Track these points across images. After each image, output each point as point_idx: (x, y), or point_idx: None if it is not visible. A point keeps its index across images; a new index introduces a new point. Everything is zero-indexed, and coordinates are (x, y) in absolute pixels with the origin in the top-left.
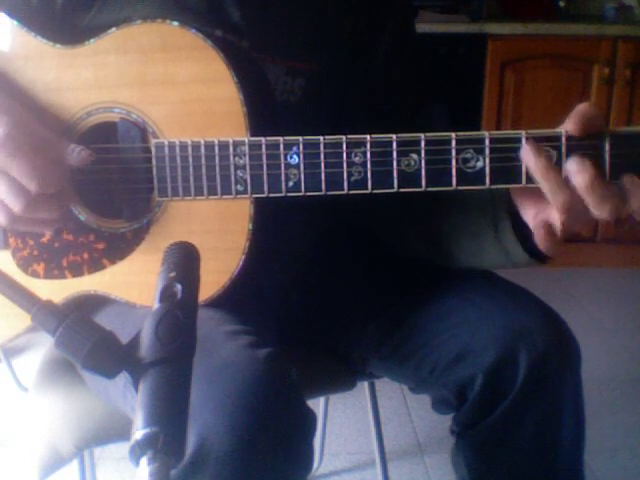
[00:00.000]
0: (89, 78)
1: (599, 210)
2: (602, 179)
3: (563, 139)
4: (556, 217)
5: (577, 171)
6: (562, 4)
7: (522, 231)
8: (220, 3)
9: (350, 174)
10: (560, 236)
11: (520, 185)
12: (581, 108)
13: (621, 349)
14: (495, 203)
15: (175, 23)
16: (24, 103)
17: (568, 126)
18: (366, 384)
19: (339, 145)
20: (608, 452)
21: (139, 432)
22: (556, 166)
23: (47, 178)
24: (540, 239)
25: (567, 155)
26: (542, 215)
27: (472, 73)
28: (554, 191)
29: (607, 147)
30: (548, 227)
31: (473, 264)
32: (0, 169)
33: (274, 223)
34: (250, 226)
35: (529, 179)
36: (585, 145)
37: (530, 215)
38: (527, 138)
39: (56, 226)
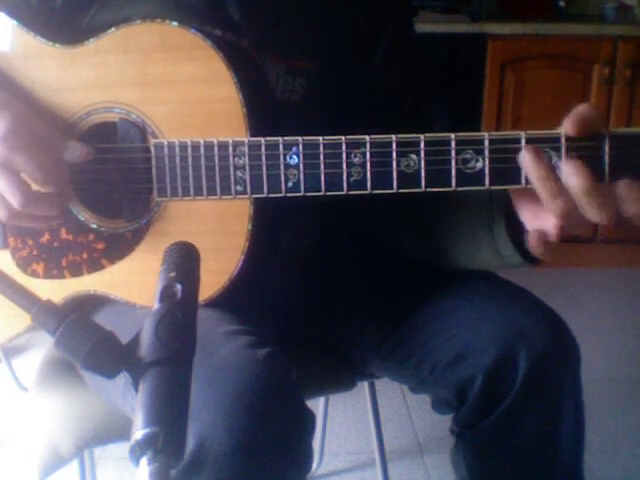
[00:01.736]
0: (89, 78)
1: (596, 215)
2: (599, 183)
3: (562, 140)
4: (552, 222)
5: (574, 173)
6: (562, 4)
7: (516, 231)
8: (220, 2)
9: (349, 175)
10: (554, 242)
11: (520, 186)
12: (579, 109)
13: (621, 349)
14: (493, 204)
15: (174, 23)
16: (24, 102)
17: (566, 126)
18: (366, 384)
19: (338, 145)
20: (608, 452)
21: (139, 432)
22: (553, 173)
23: (51, 174)
24: (534, 245)
25: (567, 156)
26: (538, 220)
27: (472, 73)
28: (552, 198)
29: (607, 147)
30: (542, 234)
31: (467, 264)
32: (3, 164)
33: (273, 223)
34: (249, 226)
35: (529, 181)
36: (584, 146)
37: (528, 216)
38: (527, 141)
39: (53, 222)
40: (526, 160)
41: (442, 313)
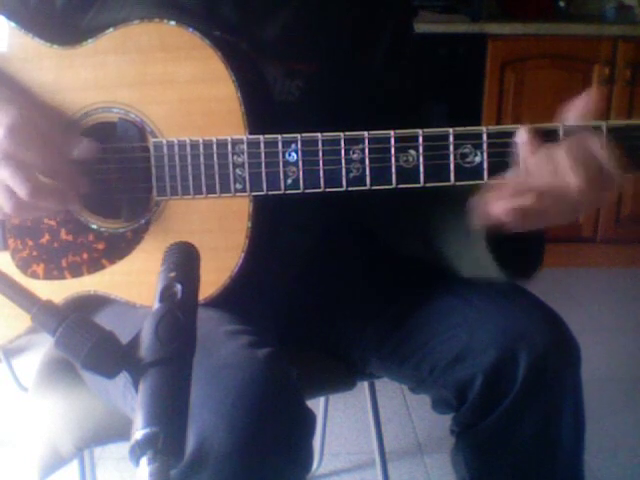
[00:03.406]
0: (88, 78)
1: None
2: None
3: (560, 132)
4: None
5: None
6: (562, 4)
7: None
8: (218, 5)
9: (349, 171)
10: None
11: None
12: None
13: (621, 349)
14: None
15: (172, 22)
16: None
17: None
18: (366, 384)
19: (337, 142)
20: (608, 452)
21: (139, 432)
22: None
23: (58, 168)
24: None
25: None
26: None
27: (472, 73)
28: (538, 170)
29: (604, 130)
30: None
31: (461, 268)
32: (10, 156)
33: (273, 221)
34: (249, 224)
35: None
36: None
37: (499, 207)
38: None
39: (59, 215)
40: (521, 134)
41: (442, 313)
